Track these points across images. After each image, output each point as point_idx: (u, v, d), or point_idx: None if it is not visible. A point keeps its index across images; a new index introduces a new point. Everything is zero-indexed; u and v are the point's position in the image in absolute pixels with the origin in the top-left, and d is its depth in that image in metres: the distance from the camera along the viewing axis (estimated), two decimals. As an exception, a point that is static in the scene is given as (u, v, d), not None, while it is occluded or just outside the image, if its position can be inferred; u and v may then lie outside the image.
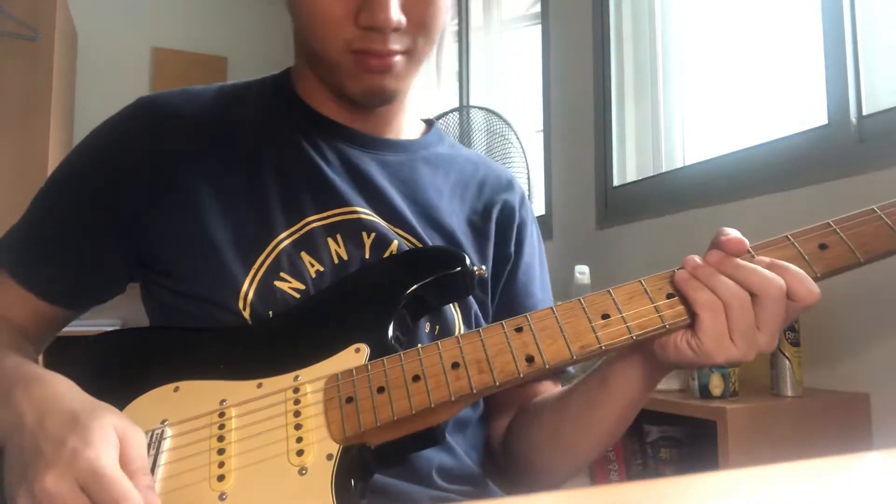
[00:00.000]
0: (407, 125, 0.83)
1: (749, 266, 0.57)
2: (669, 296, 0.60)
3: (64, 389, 0.59)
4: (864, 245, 0.58)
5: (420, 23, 0.68)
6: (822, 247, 0.59)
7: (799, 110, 1.60)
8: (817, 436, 1.23)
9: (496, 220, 0.82)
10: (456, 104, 2.89)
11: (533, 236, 0.87)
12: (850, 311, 1.31)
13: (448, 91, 3.21)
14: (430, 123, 0.87)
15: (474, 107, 2.05)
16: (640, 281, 0.61)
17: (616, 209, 2.05)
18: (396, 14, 0.64)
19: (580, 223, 2.15)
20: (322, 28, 0.67)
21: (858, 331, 1.32)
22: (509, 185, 0.86)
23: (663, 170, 1.99)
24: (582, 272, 1.78)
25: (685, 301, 0.58)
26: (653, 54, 2.07)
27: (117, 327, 0.89)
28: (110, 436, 0.53)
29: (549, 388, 0.81)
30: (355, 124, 0.77)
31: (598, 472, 1.61)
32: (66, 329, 0.80)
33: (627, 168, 2.08)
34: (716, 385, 1.26)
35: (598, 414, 0.69)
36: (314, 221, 0.72)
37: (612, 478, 1.57)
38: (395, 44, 0.67)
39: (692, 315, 0.58)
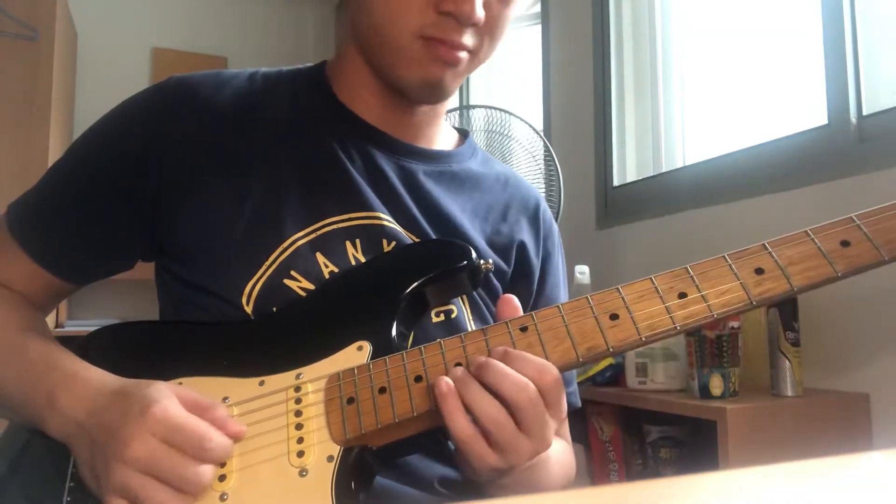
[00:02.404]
0: (440, 135, 0.81)
1: (501, 371, 0.54)
2: (681, 295, 0.57)
3: (102, 377, 0.61)
4: (889, 242, 0.54)
5: (493, 26, 0.69)
6: (845, 244, 0.55)
7: (799, 110, 1.60)
8: (817, 436, 1.23)
9: (517, 249, 0.79)
10: (456, 104, 2.88)
11: (558, 266, 0.85)
12: (850, 311, 1.31)
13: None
14: (464, 135, 0.86)
15: (474, 106, 2.04)
16: (650, 278, 0.59)
17: (616, 209, 2.05)
18: (480, 11, 0.65)
19: (580, 223, 2.15)
20: (398, 10, 0.66)
21: (858, 331, 1.32)
22: (535, 212, 0.84)
23: (663, 170, 1.99)
24: (582, 272, 1.78)
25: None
26: (653, 54, 2.07)
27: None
28: (166, 391, 0.56)
29: None
30: (388, 128, 0.76)
31: (598, 472, 1.61)
32: (65, 329, 0.80)
33: (627, 168, 2.08)
34: (716, 385, 1.26)
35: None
36: (334, 223, 0.71)
37: (612, 478, 1.57)
38: (467, 38, 0.67)
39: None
